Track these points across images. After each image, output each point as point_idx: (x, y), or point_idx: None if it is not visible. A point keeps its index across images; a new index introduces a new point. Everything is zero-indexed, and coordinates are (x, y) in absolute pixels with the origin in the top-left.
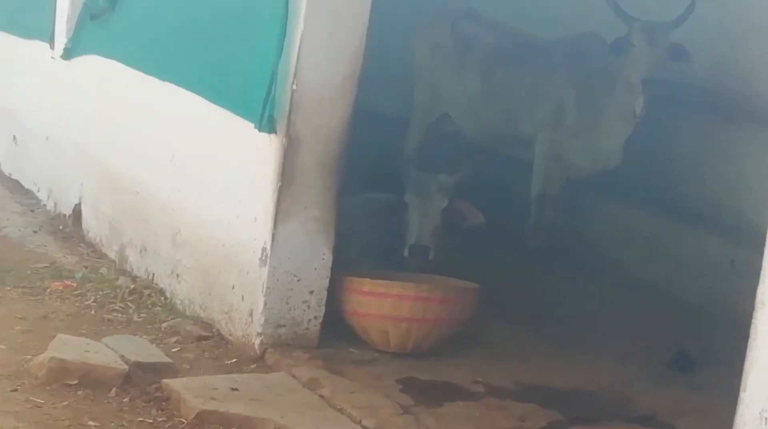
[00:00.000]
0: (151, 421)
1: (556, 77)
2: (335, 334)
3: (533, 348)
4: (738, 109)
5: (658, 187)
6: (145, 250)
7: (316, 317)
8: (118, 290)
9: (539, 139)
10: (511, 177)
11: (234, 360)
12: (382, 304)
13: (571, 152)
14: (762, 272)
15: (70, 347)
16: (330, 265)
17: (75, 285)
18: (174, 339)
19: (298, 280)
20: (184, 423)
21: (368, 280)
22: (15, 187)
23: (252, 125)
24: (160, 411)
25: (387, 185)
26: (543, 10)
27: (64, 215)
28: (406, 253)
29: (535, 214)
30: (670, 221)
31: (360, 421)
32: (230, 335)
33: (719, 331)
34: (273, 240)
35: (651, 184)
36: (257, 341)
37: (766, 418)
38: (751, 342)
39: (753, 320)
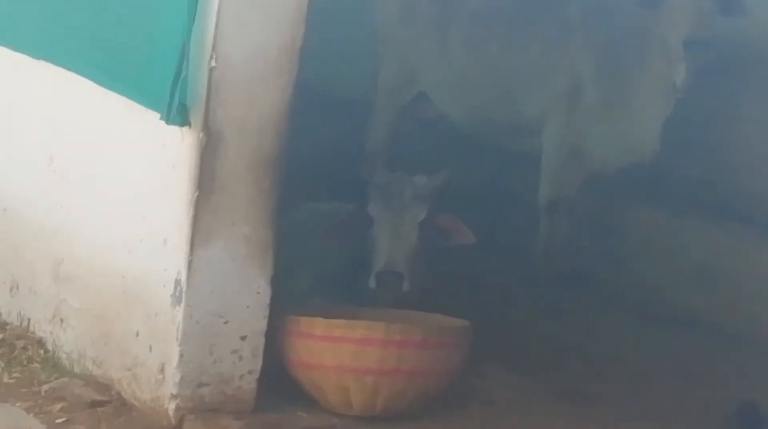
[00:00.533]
0: None
1: (571, 43)
2: (278, 394)
3: (546, 405)
4: None
5: (711, 185)
6: (17, 288)
7: (250, 372)
8: None
9: (549, 126)
10: (513, 178)
11: None
12: (341, 351)
13: (591, 142)
14: None
15: None
16: (268, 301)
17: None
18: (59, 406)
19: (226, 323)
20: None
21: (321, 319)
22: None
23: (157, 116)
24: None
25: (345, 192)
26: None
27: None
28: (372, 283)
29: (546, 226)
30: (731, 232)
31: None
32: (135, 399)
33: None
34: (189, 269)
35: (702, 181)
36: (172, 406)
37: None
38: None
39: None
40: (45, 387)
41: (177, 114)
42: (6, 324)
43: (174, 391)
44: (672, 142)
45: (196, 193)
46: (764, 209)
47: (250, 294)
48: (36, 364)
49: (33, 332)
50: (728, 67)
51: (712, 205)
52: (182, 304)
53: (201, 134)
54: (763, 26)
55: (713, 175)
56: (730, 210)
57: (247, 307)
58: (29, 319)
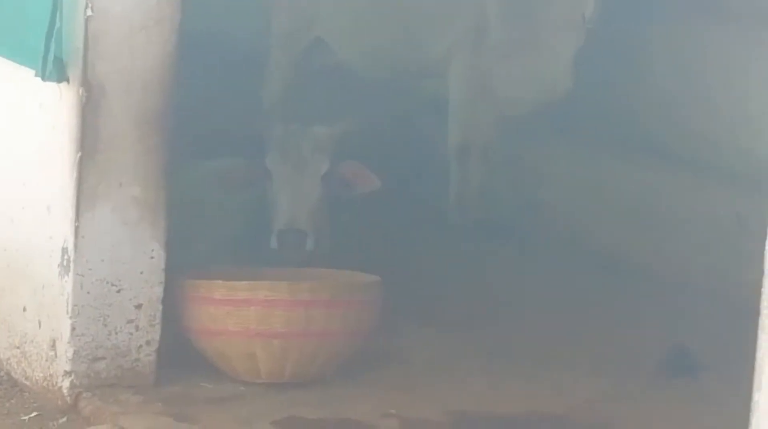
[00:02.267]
0: None
1: None
2: (180, 365)
3: (467, 363)
4: (739, 4)
5: (631, 122)
6: None
7: (148, 342)
8: None
9: (455, 66)
10: (420, 124)
11: (34, 414)
12: (245, 315)
13: (500, 82)
14: None
15: None
16: (163, 266)
17: None
18: None
19: (119, 291)
20: None
21: (221, 282)
22: None
23: (32, 73)
24: None
25: (241, 148)
26: None
27: None
28: (273, 243)
29: (458, 173)
30: (652, 169)
31: None
32: (26, 379)
33: (726, 315)
34: (77, 236)
35: (621, 118)
36: (66, 384)
37: None
38: (763, 321)
39: (763, 289)
40: None
41: (53, 69)
42: None
43: (67, 367)
44: (586, 77)
45: (79, 154)
46: (688, 145)
47: (143, 259)
48: None
49: None
50: None
51: (633, 143)
52: (71, 274)
53: (81, 90)
54: None
55: (633, 110)
56: (653, 147)
57: (141, 273)
58: None
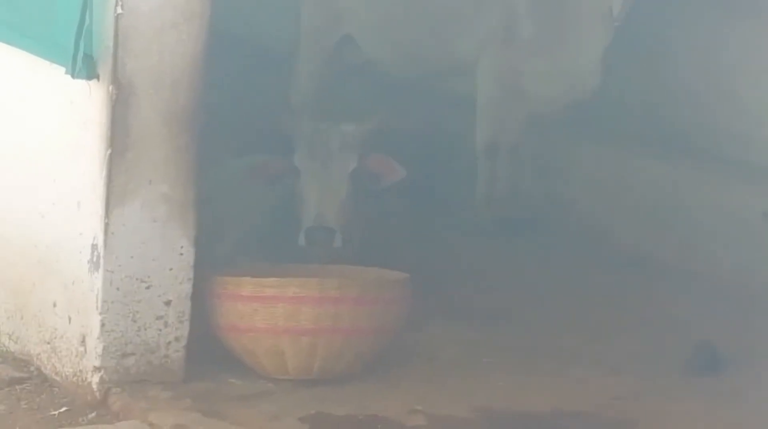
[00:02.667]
0: None
1: None
2: (208, 361)
3: (494, 359)
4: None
5: (658, 119)
6: None
7: (177, 338)
8: None
9: (483, 64)
10: (449, 121)
11: (64, 408)
12: (273, 312)
13: (529, 79)
14: None
15: None
16: (192, 262)
17: None
18: None
19: (148, 288)
20: None
21: (250, 279)
22: None
23: (62, 70)
24: None
25: (270, 146)
26: None
27: None
28: (302, 240)
29: (486, 172)
30: (679, 167)
31: None
32: (56, 374)
33: (754, 314)
34: (106, 233)
35: (648, 115)
36: (95, 379)
37: None
38: None
39: None
40: None
41: (83, 66)
42: None
43: (97, 363)
44: (616, 74)
45: (109, 151)
46: (714, 142)
47: (172, 256)
48: None
49: None
50: None
51: (659, 140)
52: (100, 270)
53: (111, 87)
54: None
55: (662, 108)
56: (679, 144)
57: (170, 269)
58: None
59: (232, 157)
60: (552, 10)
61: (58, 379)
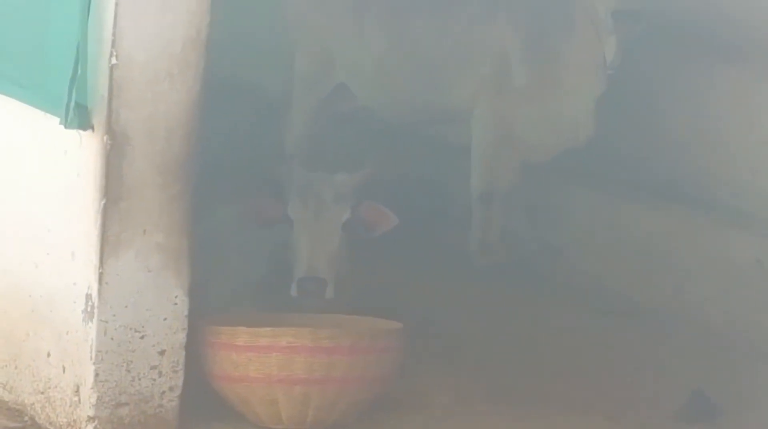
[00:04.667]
0: None
1: (496, 20)
2: (202, 411)
3: (487, 407)
4: (749, 47)
5: (651, 167)
6: None
7: (171, 388)
8: None
9: (478, 111)
10: (443, 169)
11: None
12: (267, 361)
13: (523, 127)
14: None
15: None
16: (186, 312)
17: None
18: None
19: (142, 338)
20: None
21: (244, 328)
22: None
23: (57, 120)
24: None
25: (265, 193)
26: None
27: None
28: (294, 290)
29: (480, 218)
30: (670, 213)
31: None
32: (50, 424)
33: (747, 362)
34: (101, 282)
35: (640, 163)
36: None
37: None
38: None
39: None
40: None
41: (75, 116)
42: None
43: (91, 413)
44: (607, 122)
45: (103, 201)
46: (705, 189)
47: (166, 305)
48: None
49: None
50: (662, 40)
51: (651, 187)
52: (95, 320)
53: (105, 137)
54: None
55: (653, 155)
56: (671, 191)
57: (164, 319)
58: None
59: (226, 205)
60: (546, 58)
61: (52, 428)
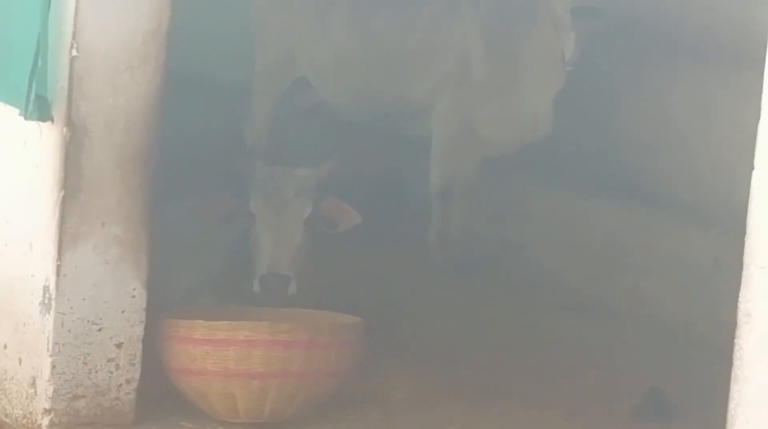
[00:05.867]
0: None
1: (457, 17)
2: (159, 404)
3: (446, 403)
4: (709, 46)
5: (610, 164)
6: None
7: (128, 381)
8: None
9: (438, 107)
10: (403, 163)
11: None
12: (224, 355)
13: (482, 122)
14: (744, 273)
15: None
16: (144, 305)
17: None
18: None
19: (99, 330)
20: None
21: (202, 322)
22: None
23: (16, 112)
24: None
25: (226, 185)
26: None
27: None
28: (256, 287)
29: (440, 214)
30: (629, 210)
31: None
32: (5, 416)
33: (702, 359)
34: (58, 274)
35: (599, 160)
36: (45, 421)
37: None
38: (735, 370)
39: (736, 339)
40: None
41: (35, 108)
42: None
43: (47, 405)
44: (566, 118)
45: (62, 193)
46: (665, 187)
47: (124, 298)
48: None
49: None
50: (620, 37)
51: (610, 184)
52: (52, 312)
53: (65, 129)
54: None
55: (611, 152)
56: (630, 188)
57: (122, 312)
58: None
59: (187, 198)
60: (505, 55)
61: (7, 421)
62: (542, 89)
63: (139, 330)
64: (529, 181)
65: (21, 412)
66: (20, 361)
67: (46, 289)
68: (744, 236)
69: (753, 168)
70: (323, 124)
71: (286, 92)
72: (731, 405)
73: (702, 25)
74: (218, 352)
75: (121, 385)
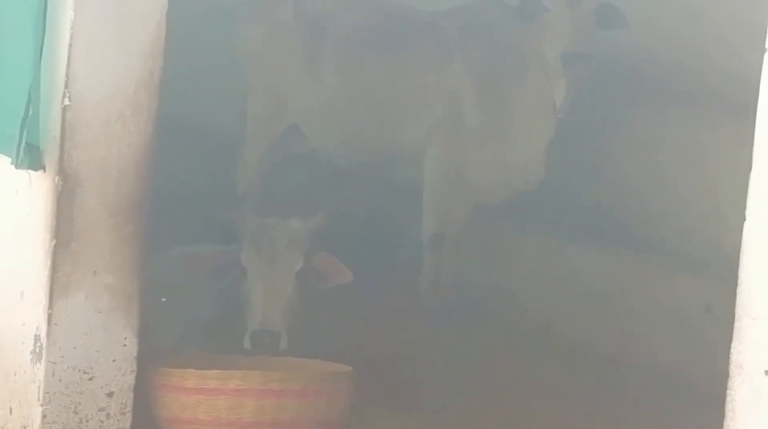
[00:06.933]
0: None
1: (448, 64)
2: None
3: None
4: (700, 92)
5: (601, 211)
6: None
7: None
8: None
9: (430, 154)
10: (395, 210)
11: None
12: (216, 404)
13: (474, 169)
14: (736, 324)
15: None
16: (135, 354)
17: None
18: None
19: (91, 379)
20: None
21: (193, 371)
22: None
23: (8, 160)
24: None
25: (217, 234)
26: None
27: None
28: (247, 343)
29: (431, 259)
30: (620, 258)
31: None
32: None
33: (694, 408)
34: (50, 323)
35: (590, 207)
36: None
37: None
38: (727, 421)
39: (728, 390)
40: None
41: (26, 157)
42: None
43: None
44: (557, 165)
45: (54, 242)
46: (655, 234)
47: (115, 347)
48: None
49: None
50: (611, 84)
51: (602, 231)
52: (43, 361)
53: (57, 178)
54: (645, 40)
55: (602, 198)
56: (621, 236)
57: (113, 361)
58: None
59: (179, 246)
60: (497, 101)
61: None
62: (534, 136)
63: (131, 379)
64: (520, 227)
65: None
66: (11, 410)
67: (37, 337)
68: (736, 284)
69: (744, 219)
70: (315, 172)
71: (278, 140)
72: None
73: (692, 71)
74: (210, 401)
75: None
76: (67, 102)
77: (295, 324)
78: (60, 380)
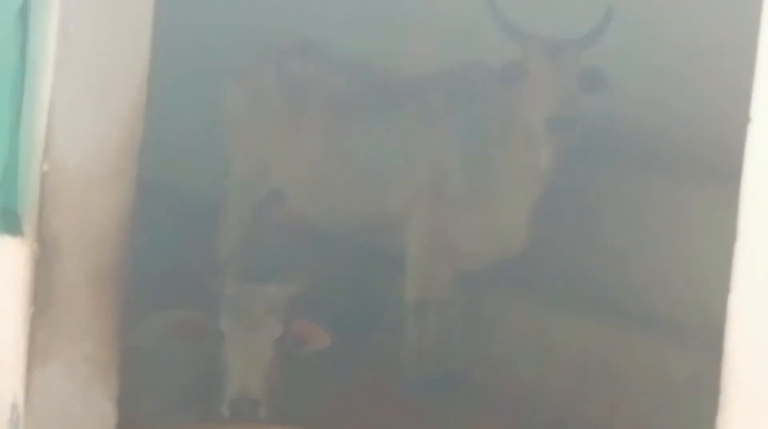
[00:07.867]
0: None
1: (433, 129)
2: None
3: None
4: (684, 159)
5: (587, 278)
6: None
7: None
8: None
9: (413, 219)
10: (377, 276)
11: None
12: None
13: (457, 235)
14: (722, 396)
15: None
16: (114, 423)
17: None
18: None
19: None
20: None
21: None
22: None
23: None
24: None
25: (197, 301)
26: (408, 37)
27: None
28: (225, 411)
29: (414, 327)
30: (608, 327)
31: None
32: None
33: None
34: (27, 392)
35: (577, 274)
36: None
37: None
38: None
39: None
40: None
41: (3, 222)
42: None
43: None
44: (543, 232)
45: (32, 310)
46: (642, 302)
47: (94, 418)
48: None
49: None
50: (595, 149)
51: (586, 299)
52: None
53: (35, 245)
54: (629, 104)
55: (586, 266)
56: (608, 303)
57: None
58: None
59: (158, 312)
60: (480, 167)
61: None
62: (518, 201)
63: None
64: (505, 295)
65: None
66: None
67: (14, 407)
68: (721, 353)
69: (729, 290)
70: (297, 238)
71: (259, 205)
72: None
73: (677, 137)
74: None
75: None
76: (46, 167)
77: (275, 391)
78: None
